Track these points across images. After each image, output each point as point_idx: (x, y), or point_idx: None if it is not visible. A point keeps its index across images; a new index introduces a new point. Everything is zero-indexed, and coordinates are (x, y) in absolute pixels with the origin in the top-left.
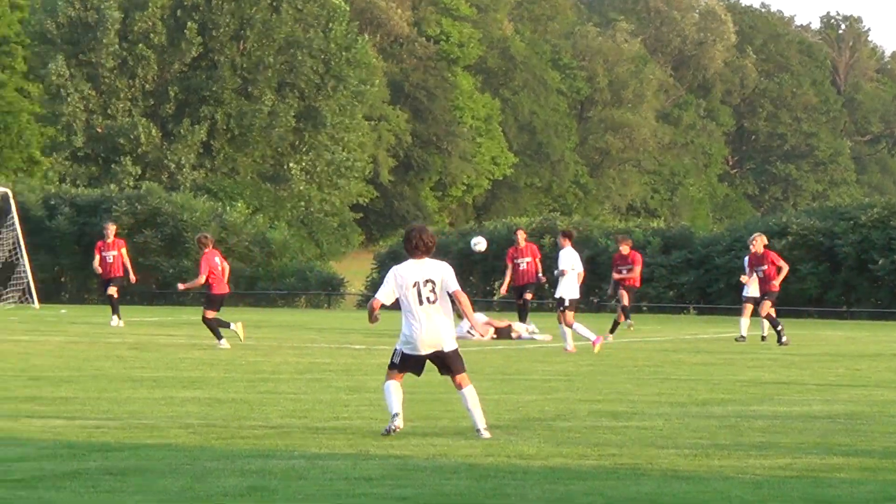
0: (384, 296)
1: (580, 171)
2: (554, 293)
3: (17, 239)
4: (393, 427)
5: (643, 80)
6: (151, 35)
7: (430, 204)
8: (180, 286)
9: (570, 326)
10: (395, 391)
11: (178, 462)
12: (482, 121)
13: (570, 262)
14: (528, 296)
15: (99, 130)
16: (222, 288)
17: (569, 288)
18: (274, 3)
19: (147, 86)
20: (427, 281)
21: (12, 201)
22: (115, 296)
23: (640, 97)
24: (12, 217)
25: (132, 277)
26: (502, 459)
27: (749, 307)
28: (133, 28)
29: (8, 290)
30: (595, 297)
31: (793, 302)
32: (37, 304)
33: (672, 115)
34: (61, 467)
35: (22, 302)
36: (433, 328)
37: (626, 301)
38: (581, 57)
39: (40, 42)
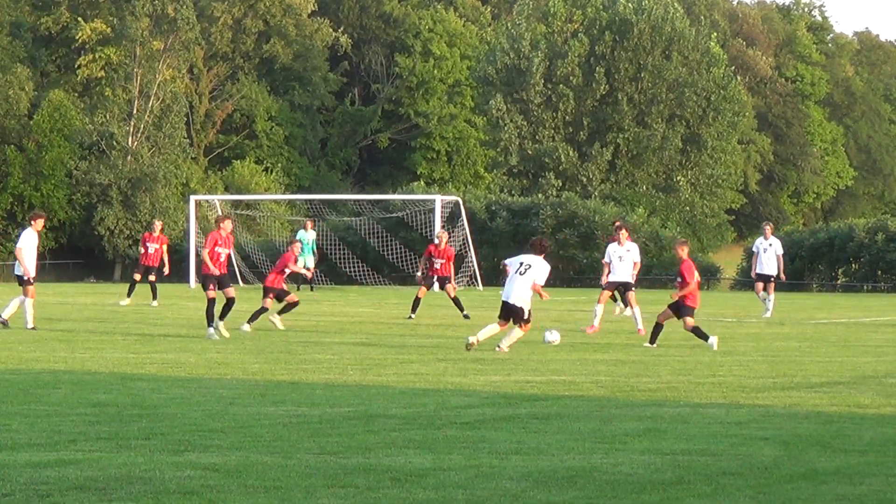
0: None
1: None
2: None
3: (466, 236)
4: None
5: None
6: (570, 78)
7: (788, 208)
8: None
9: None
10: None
11: (589, 409)
12: (829, 143)
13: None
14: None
15: (529, 152)
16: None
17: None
18: (666, 52)
19: (567, 117)
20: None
21: (462, 207)
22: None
23: None
24: (462, 219)
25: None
26: (843, 408)
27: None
28: (556, 72)
29: (459, 276)
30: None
31: None
32: (481, 287)
33: None
34: (499, 413)
35: (469, 285)
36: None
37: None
38: None
39: (484, 84)
